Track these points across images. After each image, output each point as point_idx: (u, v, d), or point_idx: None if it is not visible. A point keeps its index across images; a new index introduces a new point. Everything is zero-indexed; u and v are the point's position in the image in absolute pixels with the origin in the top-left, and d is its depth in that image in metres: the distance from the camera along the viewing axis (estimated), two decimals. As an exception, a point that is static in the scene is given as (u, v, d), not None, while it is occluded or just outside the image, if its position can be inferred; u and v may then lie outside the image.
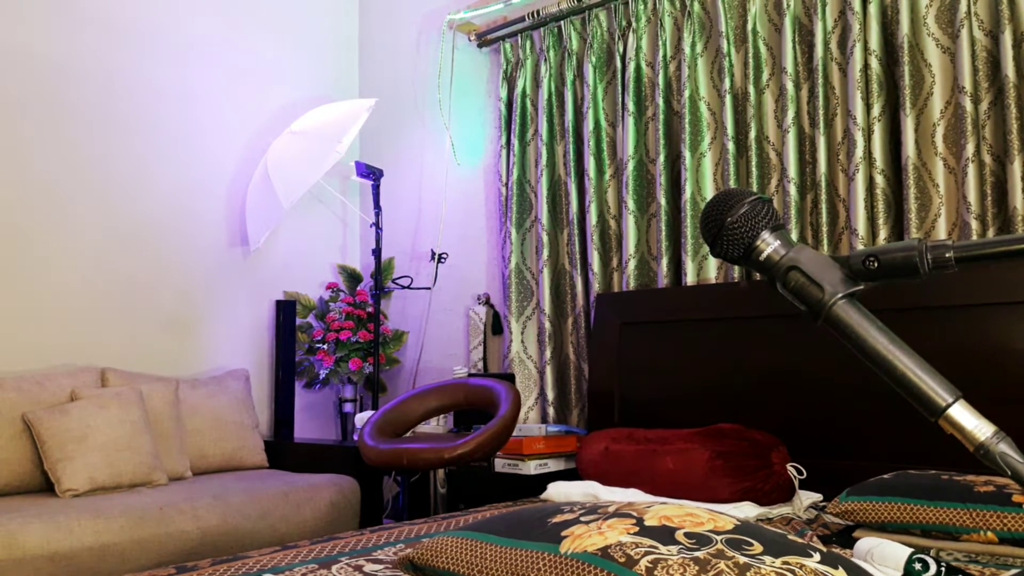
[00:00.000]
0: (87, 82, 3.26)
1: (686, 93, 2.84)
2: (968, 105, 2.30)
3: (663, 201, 2.90)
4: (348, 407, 3.75)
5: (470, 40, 3.65)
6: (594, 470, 2.46)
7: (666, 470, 2.30)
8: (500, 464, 2.78)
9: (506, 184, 3.38)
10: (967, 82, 2.30)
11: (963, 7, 2.31)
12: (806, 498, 2.17)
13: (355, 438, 3.51)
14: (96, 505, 2.44)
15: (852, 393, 2.35)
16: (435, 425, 3.23)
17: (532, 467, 2.70)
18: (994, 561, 1.59)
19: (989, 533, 1.64)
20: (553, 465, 2.77)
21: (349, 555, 1.64)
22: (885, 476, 1.92)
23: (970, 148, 2.29)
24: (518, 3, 3.45)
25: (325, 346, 3.66)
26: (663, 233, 2.89)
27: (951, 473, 1.88)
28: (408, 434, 2.90)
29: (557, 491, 2.27)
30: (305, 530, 2.78)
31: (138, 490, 2.73)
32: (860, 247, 2.44)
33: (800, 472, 2.19)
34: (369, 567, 1.53)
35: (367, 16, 4.22)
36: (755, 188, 2.71)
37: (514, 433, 2.68)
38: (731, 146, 2.76)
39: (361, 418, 3.24)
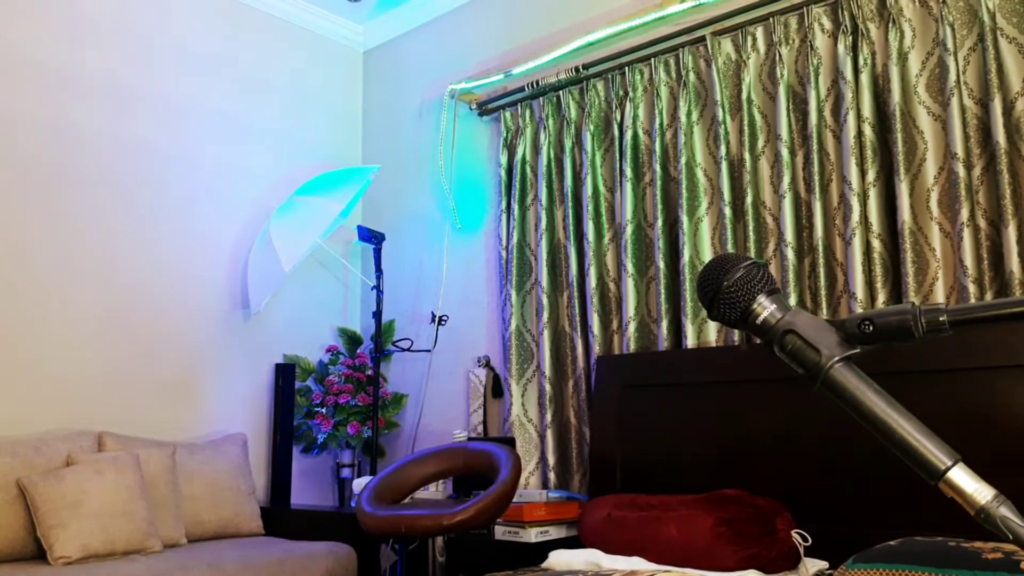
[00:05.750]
0: (91, 146, 3.32)
1: (683, 160, 2.89)
2: (961, 171, 2.33)
3: (662, 264, 2.92)
4: (346, 472, 3.71)
5: (471, 109, 3.73)
6: (596, 537, 2.41)
7: (669, 537, 2.26)
8: (500, 531, 2.73)
9: (506, 247, 3.41)
10: (959, 148, 2.34)
11: (952, 76, 2.37)
12: (812, 566, 2.13)
13: (353, 504, 3.46)
14: (89, 574, 2.39)
15: (856, 458, 2.33)
16: (434, 491, 3.19)
17: (533, 534, 2.66)
18: (1006, 632, 1.55)
19: (999, 602, 1.60)
20: (554, 532, 2.72)
21: (345, 625, 1.60)
22: (891, 543, 1.89)
23: (964, 213, 2.32)
24: (518, 74, 3.54)
25: (324, 410, 3.63)
26: (662, 296, 2.90)
27: (958, 540, 1.85)
28: (406, 500, 2.86)
29: (559, 560, 2.23)
30: (301, 600, 2.72)
31: (132, 557, 2.68)
32: (859, 311, 2.45)
33: (805, 539, 2.15)
34: (366, 638, 1.49)
35: (371, 86, 4.32)
36: (753, 252, 2.73)
37: (515, 499, 2.64)
38: (728, 211, 2.79)
39: (359, 484, 3.20)
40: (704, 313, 2.82)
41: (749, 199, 2.75)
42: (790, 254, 2.64)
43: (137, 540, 2.75)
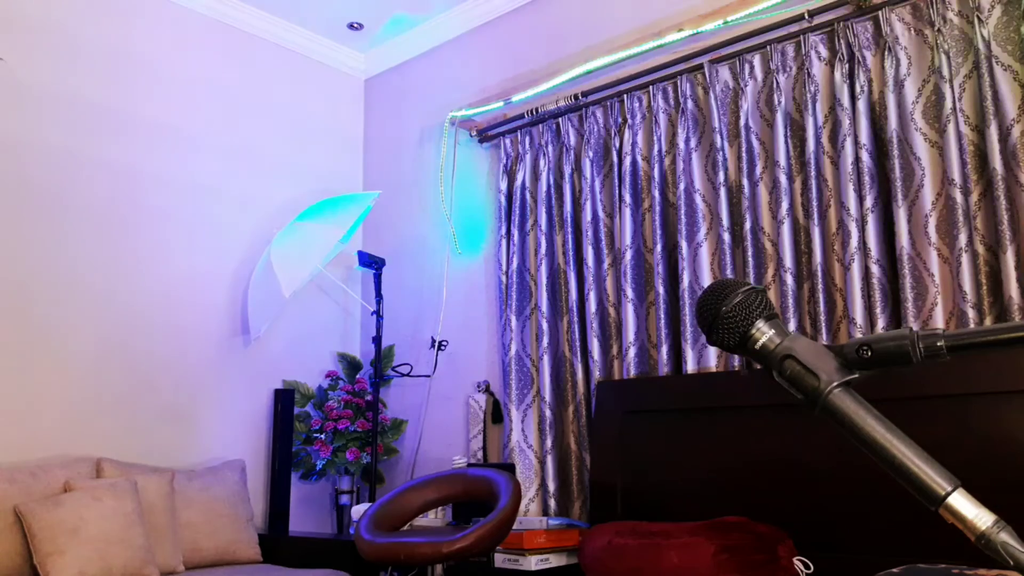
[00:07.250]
0: (91, 173, 3.34)
1: (681, 186, 2.91)
2: (958, 197, 2.35)
3: (661, 289, 2.92)
4: (345, 499, 3.69)
5: (471, 136, 3.76)
6: (597, 566, 2.39)
7: (671, 565, 2.24)
8: (500, 559, 2.71)
9: (506, 272, 3.42)
10: (956, 175, 2.36)
11: (948, 103, 2.39)
12: (815, 594, 2.11)
13: (351, 531, 3.43)
14: (84, 602, 2.36)
15: (858, 484, 2.31)
16: (433, 518, 3.16)
17: (533, 562, 2.64)
18: (1011, 661, 1.53)
19: (1004, 631, 1.59)
20: (555, 560, 2.70)
21: (343, 655, 1.58)
22: (894, 570, 1.87)
23: (963, 238, 2.32)
24: (517, 101, 3.57)
25: (323, 436, 3.62)
26: (662, 321, 2.90)
27: (961, 567, 1.83)
28: (405, 527, 2.84)
29: (558, 587, 2.20)
30: (298, 629, 2.69)
31: (128, 586, 2.66)
32: (859, 336, 2.45)
33: (807, 566, 2.13)
34: (364, 667, 1.47)
35: (372, 113, 4.36)
36: (752, 278, 2.74)
37: (514, 526, 2.62)
38: (727, 237, 2.80)
39: (358, 511, 3.18)
40: (704, 338, 2.82)
41: (748, 225, 2.77)
42: (789, 279, 2.64)
43: (134, 567, 2.72)
